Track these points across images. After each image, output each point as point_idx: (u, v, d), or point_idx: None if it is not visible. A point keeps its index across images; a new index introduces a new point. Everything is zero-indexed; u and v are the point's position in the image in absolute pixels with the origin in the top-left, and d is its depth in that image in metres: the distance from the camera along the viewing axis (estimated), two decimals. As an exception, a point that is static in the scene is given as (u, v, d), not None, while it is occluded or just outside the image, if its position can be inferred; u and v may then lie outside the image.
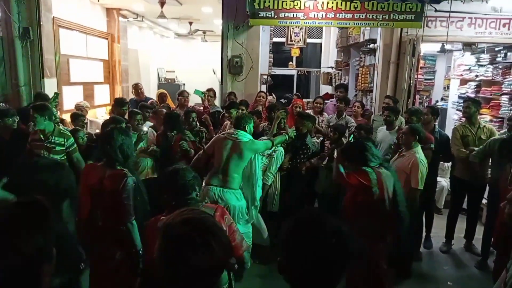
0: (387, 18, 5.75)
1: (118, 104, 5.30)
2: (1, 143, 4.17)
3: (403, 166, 3.95)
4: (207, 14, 8.89)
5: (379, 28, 6.64)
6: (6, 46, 6.25)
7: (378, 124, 5.24)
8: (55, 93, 5.38)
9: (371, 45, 7.19)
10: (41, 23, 6.35)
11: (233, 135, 3.83)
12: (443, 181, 5.89)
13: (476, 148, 4.48)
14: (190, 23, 10.76)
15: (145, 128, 4.54)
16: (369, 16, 5.75)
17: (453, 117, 7.64)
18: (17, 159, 3.78)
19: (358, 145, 3.33)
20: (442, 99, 8.71)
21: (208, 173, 3.90)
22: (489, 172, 4.62)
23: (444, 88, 8.72)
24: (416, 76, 6.39)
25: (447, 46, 7.08)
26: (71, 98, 7.05)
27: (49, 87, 6.46)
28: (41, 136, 3.91)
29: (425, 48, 7.07)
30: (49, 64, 6.61)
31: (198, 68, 12.99)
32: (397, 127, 4.66)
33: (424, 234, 4.88)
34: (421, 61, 7.14)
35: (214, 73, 12.12)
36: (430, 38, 6.31)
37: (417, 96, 7.25)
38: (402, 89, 6.36)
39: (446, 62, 8.60)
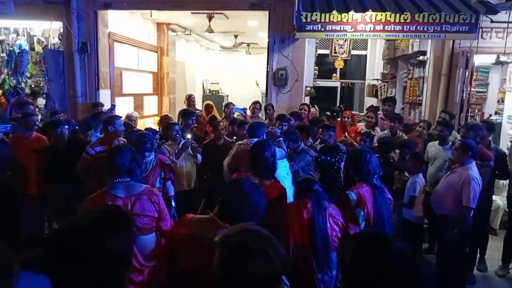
0: (438, 30, 5.56)
1: (185, 115, 5.35)
2: (56, 151, 4.41)
3: (454, 182, 3.80)
4: (253, 27, 9.05)
5: (429, 40, 6.46)
6: (66, 60, 6.70)
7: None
8: (112, 104, 5.67)
9: (421, 57, 7.00)
10: (98, 37, 6.75)
11: (248, 144, 3.82)
12: (499, 200, 5.58)
13: (537, 166, 4.22)
14: (235, 36, 11.00)
15: (189, 136, 4.70)
16: (420, 28, 5.60)
17: (509, 132, 7.23)
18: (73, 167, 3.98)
19: (358, 153, 3.16)
20: (496, 113, 8.27)
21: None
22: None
23: (498, 101, 8.28)
24: (469, 90, 6.13)
25: (503, 58, 6.75)
26: (123, 108, 7.38)
27: (104, 98, 6.83)
28: None
29: (478, 60, 6.78)
30: (104, 76, 6.99)
31: (241, 80, 13.22)
32: (450, 142, 4.48)
33: (478, 255, 4.63)
34: (474, 73, 6.86)
35: (257, 85, 12.31)
36: (484, 50, 6.06)
37: (469, 110, 6.95)
38: (454, 103, 6.13)
39: (500, 74, 8.18)
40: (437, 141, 4.67)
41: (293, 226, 2.56)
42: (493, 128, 4.89)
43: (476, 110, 8.13)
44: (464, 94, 6.07)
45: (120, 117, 4.84)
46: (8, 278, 0.75)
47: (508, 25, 5.77)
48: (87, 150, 3.96)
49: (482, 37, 5.98)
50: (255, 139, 3.82)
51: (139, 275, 2.47)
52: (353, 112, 6.73)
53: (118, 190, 2.54)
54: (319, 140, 4.79)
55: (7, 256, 0.77)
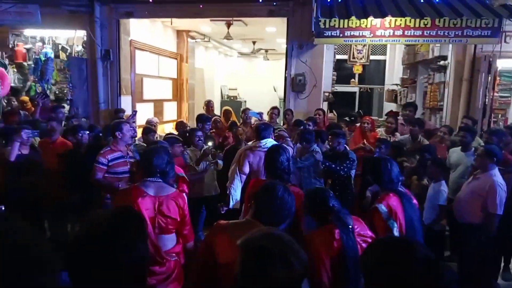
0: (460, 34, 5.50)
1: (201, 120, 5.47)
2: (76, 157, 4.49)
3: (479, 189, 3.73)
4: (271, 33, 9.11)
5: (450, 45, 6.38)
6: (90, 67, 6.89)
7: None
8: (134, 111, 5.78)
9: (441, 62, 6.92)
10: (120, 45, 6.92)
11: (261, 146, 3.81)
12: (524, 208, 5.42)
13: None
14: (254, 43, 11.08)
15: (210, 143, 4.74)
16: (440, 32, 5.54)
17: (534, 138, 7.04)
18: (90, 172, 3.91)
19: (377, 162, 3.08)
20: (520, 118, 8.07)
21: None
22: None
23: (523, 106, 8.08)
24: (492, 94, 6.01)
25: (527, 62, 6.60)
26: (143, 114, 7.52)
27: (125, 104, 6.99)
28: None
29: (501, 64, 6.65)
30: (126, 83, 7.15)
31: (259, 86, 13.27)
32: (473, 149, 4.40)
33: (502, 264, 4.51)
34: (497, 78, 6.72)
35: (275, 91, 12.34)
36: (508, 54, 5.94)
37: (492, 115, 6.81)
38: (476, 108, 6.02)
39: (525, 79, 7.99)
40: (459, 147, 4.59)
41: (322, 258, 2.20)
42: (517, 134, 4.77)
43: (500, 115, 7.93)
44: (487, 99, 5.97)
45: (128, 122, 4.69)
46: (53, 275, 0.78)
47: (532, 28, 5.66)
48: (98, 159, 3.82)
49: (505, 41, 5.87)
50: (264, 140, 3.86)
51: (160, 267, 2.56)
52: (372, 118, 6.67)
53: (149, 188, 2.59)
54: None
55: (52, 253, 0.81)
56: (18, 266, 0.72)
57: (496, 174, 3.68)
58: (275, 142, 3.91)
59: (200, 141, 4.60)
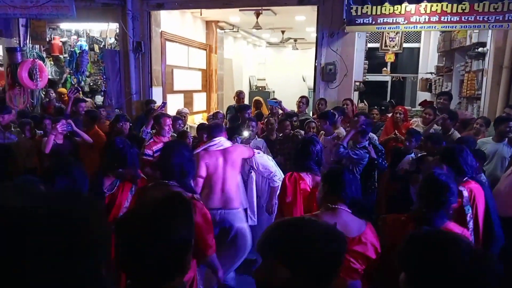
0: (501, 19, 5.22)
1: (240, 109, 5.72)
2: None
3: (519, 181, 3.55)
4: (300, 22, 8.98)
5: (490, 30, 6.08)
6: (122, 59, 7.04)
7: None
8: (163, 102, 5.88)
9: (480, 49, 6.61)
10: (151, 37, 7.02)
11: (214, 146, 3.51)
12: None
13: None
14: (283, 32, 10.97)
15: (246, 134, 4.76)
16: (480, 18, 5.28)
17: None
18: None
19: (457, 150, 2.91)
20: None
21: (203, 195, 3.42)
22: None
23: None
24: (534, 82, 5.70)
25: None
26: (173, 105, 7.64)
27: (156, 95, 7.11)
28: None
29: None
30: (157, 74, 7.26)
31: (288, 76, 13.17)
32: (506, 139, 4.20)
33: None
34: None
35: (304, 80, 12.23)
36: (553, 40, 5.59)
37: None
38: (517, 97, 5.73)
39: None
40: (490, 137, 4.39)
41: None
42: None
43: (542, 104, 7.55)
44: (529, 88, 5.65)
45: (169, 116, 4.78)
46: (107, 254, 0.79)
47: None
48: (144, 151, 3.94)
49: (550, 25, 5.51)
50: (216, 139, 3.55)
51: None
52: (406, 108, 6.46)
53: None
54: None
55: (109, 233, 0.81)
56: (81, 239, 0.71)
57: (539, 166, 3.51)
58: (229, 141, 3.63)
59: (253, 132, 4.70)
